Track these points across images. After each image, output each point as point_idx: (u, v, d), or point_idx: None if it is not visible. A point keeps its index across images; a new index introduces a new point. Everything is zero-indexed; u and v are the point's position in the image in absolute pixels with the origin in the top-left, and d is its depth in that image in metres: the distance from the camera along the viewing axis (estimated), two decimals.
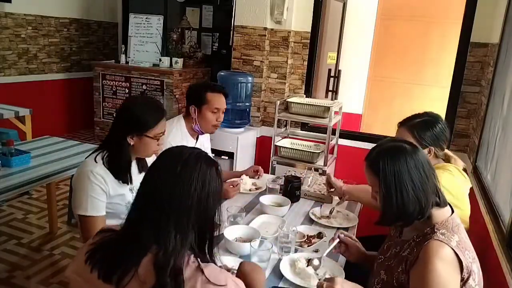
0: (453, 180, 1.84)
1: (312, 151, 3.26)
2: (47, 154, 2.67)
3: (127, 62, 4.84)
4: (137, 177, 1.73)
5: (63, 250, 2.86)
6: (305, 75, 3.70)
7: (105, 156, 1.63)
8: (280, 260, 1.55)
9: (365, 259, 1.54)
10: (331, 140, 3.24)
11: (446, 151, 1.96)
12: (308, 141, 3.54)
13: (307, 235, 1.76)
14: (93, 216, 1.57)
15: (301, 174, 2.42)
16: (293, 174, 2.35)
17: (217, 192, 1.06)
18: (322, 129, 3.49)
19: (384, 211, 1.27)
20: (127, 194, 1.69)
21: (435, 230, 1.20)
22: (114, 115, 4.71)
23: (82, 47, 5.57)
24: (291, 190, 2.14)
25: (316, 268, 1.47)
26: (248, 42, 3.63)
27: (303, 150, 3.28)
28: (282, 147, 3.31)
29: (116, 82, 4.79)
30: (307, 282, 1.42)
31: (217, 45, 5.38)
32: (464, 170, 1.97)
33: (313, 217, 1.96)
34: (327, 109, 3.14)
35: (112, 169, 1.63)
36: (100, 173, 1.59)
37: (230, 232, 1.66)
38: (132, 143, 1.63)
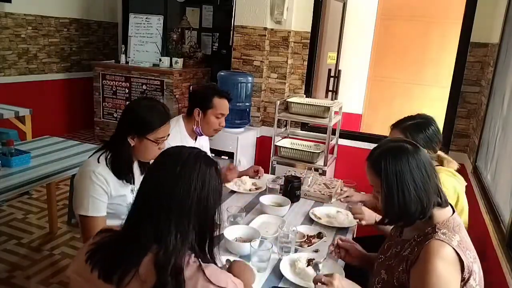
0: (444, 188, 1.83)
1: (312, 151, 3.26)
2: (47, 154, 2.67)
3: (127, 62, 4.84)
4: (140, 179, 1.72)
5: (63, 250, 2.86)
6: (305, 75, 3.70)
7: (108, 157, 1.63)
8: (280, 260, 1.55)
9: (367, 260, 1.54)
10: (331, 140, 3.24)
11: (439, 152, 1.96)
12: (308, 141, 3.54)
13: (307, 235, 1.76)
14: (94, 217, 1.57)
15: (301, 174, 2.42)
16: (293, 174, 2.35)
17: (217, 192, 1.06)
18: (322, 129, 3.49)
19: (385, 211, 1.27)
20: (128, 195, 1.69)
21: (436, 230, 1.20)
22: (120, 115, 4.75)
23: (82, 47, 5.57)
24: (291, 190, 2.14)
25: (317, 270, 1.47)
26: (248, 42, 3.63)
27: (303, 150, 3.28)
28: (282, 147, 3.31)
29: (116, 82, 4.79)
30: (307, 282, 1.42)
31: (217, 45, 5.38)
32: (458, 170, 1.96)
33: (313, 217, 1.96)
34: (327, 109, 3.14)
35: (114, 170, 1.63)
36: (102, 174, 1.59)
37: (230, 232, 1.66)
38: (132, 144, 1.63)
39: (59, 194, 3.62)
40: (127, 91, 4.75)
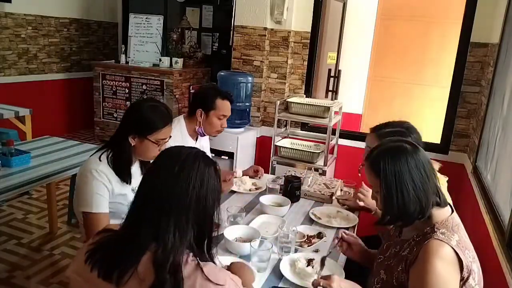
0: None
1: (312, 151, 3.26)
2: (47, 154, 2.67)
3: (127, 62, 4.84)
4: (139, 179, 1.72)
5: (63, 250, 2.86)
6: (305, 75, 3.70)
7: (109, 156, 1.64)
8: (280, 260, 1.55)
9: (368, 257, 1.54)
10: (331, 140, 3.24)
11: None
12: (308, 141, 3.54)
13: (307, 235, 1.76)
14: (97, 213, 1.58)
15: (301, 174, 2.42)
16: (293, 174, 2.36)
17: (216, 191, 1.06)
18: (322, 129, 3.49)
19: (384, 211, 1.28)
20: (129, 194, 1.70)
21: (435, 230, 1.20)
22: (120, 115, 4.77)
23: (82, 47, 5.57)
24: (291, 190, 2.14)
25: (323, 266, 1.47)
26: (248, 42, 3.63)
27: (303, 150, 3.28)
28: (282, 147, 3.31)
29: (116, 82, 4.79)
30: (307, 282, 1.42)
31: (217, 45, 5.38)
32: (439, 170, 1.93)
33: (313, 217, 1.96)
34: (327, 109, 3.14)
35: (115, 168, 1.63)
36: (104, 171, 1.60)
37: (230, 232, 1.66)
38: (133, 144, 1.63)
39: (59, 194, 3.62)
40: (127, 91, 4.75)
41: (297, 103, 3.31)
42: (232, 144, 3.44)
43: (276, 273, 1.49)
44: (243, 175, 2.42)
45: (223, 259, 1.46)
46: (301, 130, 3.72)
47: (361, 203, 1.88)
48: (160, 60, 4.65)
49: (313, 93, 3.84)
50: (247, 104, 3.60)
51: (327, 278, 1.25)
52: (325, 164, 3.17)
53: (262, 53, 3.61)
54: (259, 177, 2.46)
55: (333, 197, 2.19)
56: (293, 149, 3.30)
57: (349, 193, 2.18)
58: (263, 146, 3.74)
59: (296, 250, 1.65)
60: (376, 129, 1.87)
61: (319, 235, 1.77)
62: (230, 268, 1.27)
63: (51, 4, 5.03)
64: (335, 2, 4.26)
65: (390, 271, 1.30)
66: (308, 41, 3.63)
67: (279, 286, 1.43)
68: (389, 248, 1.39)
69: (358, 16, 5.40)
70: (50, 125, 4.81)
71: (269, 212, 1.95)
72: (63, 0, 5.19)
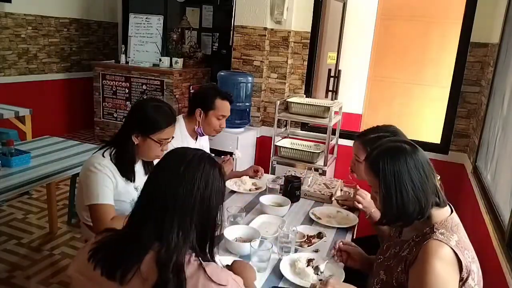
0: None
1: (312, 151, 3.26)
2: (47, 154, 2.67)
3: (127, 62, 4.84)
4: (143, 178, 1.75)
5: (63, 250, 2.86)
6: (305, 75, 3.70)
7: (112, 152, 1.65)
8: (280, 260, 1.55)
9: (369, 264, 1.53)
10: (331, 140, 3.24)
11: None
12: (308, 141, 3.54)
13: (307, 235, 1.76)
14: (104, 204, 1.59)
15: (301, 174, 2.42)
16: (293, 174, 2.35)
17: (220, 192, 1.07)
18: (322, 129, 3.49)
19: (384, 211, 1.27)
20: (132, 192, 1.71)
21: (435, 230, 1.20)
22: (120, 115, 4.77)
23: (82, 47, 5.57)
24: (291, 190, 2.14)
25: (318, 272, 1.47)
26: (248, 42, 3.63)
27: (303, 150, 3.28)
28: (282, 147, 3.31)
29: (116, 82, 4.79)
30: (307, 282, 1.42)
31: (217, 45, 5.38)
32: None
33: (313, 217, 1.96)
34: (327, 109, 3.14)
35: (118, 165, 1.65)
36: (107, 165, 1.62)
37: (230, 232, 1.66)
38: (136, 142, 1.64)
39: (59, 194, 3.62)
40: (127, 91, 4.75)
41: (297, 103, 3.31)
42: (232, 144, 3.44)
43: (276, 273, 1.49)
44: (243, 175, 2.42)
45: (223, 259, 1.46)
46: (301, 130, 3.72)
47: (359, 206, 1.86)
48: (160, 60, 4.65)
49: (313, 93, 3.84)
50: (247, 104, 3.60)
51: (323, 282, 1.25)
52: (325, 164, 3.17)
53: (262, 53, 3.61)
54: (259, 177, 2.46)
55: (333, 198, 2.19)
56: (293, 149, 3.30)
57: (349, 193, 2.18)
58: (263, 146, 3.74)
59: (296, 250, 1.64)
60: (360, 137, 1.86)
61: (319, 235, 1.77)
62: (231, 266, 1.27)
63: (51, 4, 5.03)
64: (335, 2, 4.26)
65: (390, 271, 1.30)
66: (308, 41, 3.63)
67: (279, 286, 1.43)
68: (389, 249, 1.39)
69: (358, 16, 5.40)
70: (50, 125, 4.81)
71: (269, 212, 1.95)
72: (63, 0, 5.20)
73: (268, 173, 2.95)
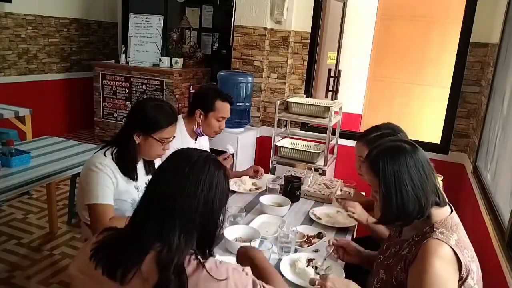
0: None
1: (312, 151, 3.26)
2: (47, 154, 2.67)
3: (127, 62, 4.84)
4: (143, 178, 1.75)
5: (63, 250, 2.86)
6: (305, 75, 3.70)
7: (114, 152, 1.66)
8: (280, 260, 1.55)
9: (366, 258, 1.54)
10: (331, 140, 3.24)
11: None
12: (308, 141, 3.54)
13: (307, 235, 1.76)
14: (103, 204, 1.59)
15: (301, 174, 2.42)
16: (293, 174, 2.36)
17: (224, 195, 1.07)
18: (322, 129, 3.49)
19: (384, 210, 1.27)
20: (133, 191, 1.71)
21: (434, 229, 1.20)
22: (120, 114, 4.77)
23: (82, 47, 5.57)
24: (291, 190, 2.14)
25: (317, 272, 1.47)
26: (248, 42, 3.63)
27: (303, 150, 3.28)
28: (282, 147, 3.31)
29: (116, 82, 4.79)
30: (307, 282, 1.41)
31: (217, 45, 5.38)
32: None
33: (313, 217, 1.96)
34: (327, 109, 3.14)
35: (119, 165, 1.65)
36: (108, 165, 1.63)
37: (230, 232, 1.66)
38: (138, 142, 1.65)
39: (59, 194, 3.62)
40: (127, 91, 4.75)
41: (297, 103, 3.31)
42: (232, 144, 3.43)
43: None
44: (243, 175, 2.42)
45: (223, 259, 1.46)
46: (301, 130, 3.72)
47: (354, 216, 1.85)
48: (160, 60, 4.65)
49: (313, 93, 3.85)
50: (247, 104, 3.60)
51: (322, 278, 1.25)
52: (325, 164, 3.17)
53: (262, 53, 3.61)
54: (259, 177, 2.46)
55: (332, 197, 2.19)
56: (293, 149, 3.30)
57: (349, 193, 2.18)
58: (263, 146, 3.75)
59: (296, 250, 1.65)
60: (362, 137, 1.87)
61: (319, 235, 1.77)
62: (238, 252, 1.30)
63: (51, 4, 5.03)
64: (335, 2, 4.26)
65: (390, 270, 1.30)
66: (308, 41, 3.63)
67: None
68: (389, 248, 1.39)
69: (358, 16, 5.40)
70: (50, 125, 4.81)
71: (269, 212, 1.95)
72: (63, 0, 5.19)
73: (268, 173, 2.95)
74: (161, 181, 1.04)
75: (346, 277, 1.45)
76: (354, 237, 1.99)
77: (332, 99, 4.20)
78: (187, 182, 1.01)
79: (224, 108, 2.23)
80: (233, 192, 2.22)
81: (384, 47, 5.88)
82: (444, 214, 1.26)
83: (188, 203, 1.00)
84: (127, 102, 4.77)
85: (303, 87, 3.72)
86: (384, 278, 1.32)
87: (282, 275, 1.46)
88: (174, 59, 4.62)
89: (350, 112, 5.18)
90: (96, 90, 4.92)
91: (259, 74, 3.65)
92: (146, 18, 4.84)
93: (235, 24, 3.68)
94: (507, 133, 2.02)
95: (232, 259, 1.49)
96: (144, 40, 4.83)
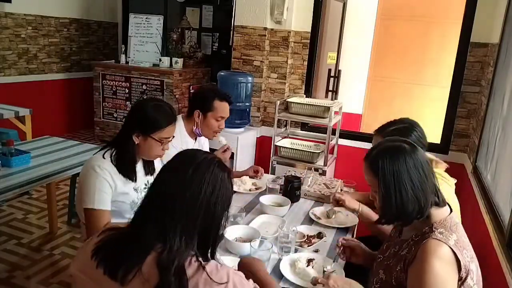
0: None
1: (312, 151, 3.26)
2: (47, 154, 2.67)
3: (127, 62, 4.84)
4: (143, 179, 1.75)
5: (63, 250, 2.86)
6: (305, 75, 3.70)
7: (113, 153, 1.65)
8: (280, 260, 1.55)
9: (373, 259, 1.53)
10: (331, 140, 3.24)
11: (427, 153, 1.92)
12: (308, 141, 3.54)
13: (307, 235, 1.76)
14: (100, 210, 1.59)
15: (301, 174, 2.42)
16: (293, 174, 2.36)
17: (227, 198, 1.06)
18: (322, 129, 3.49)
19: (383, 210, 1.28)
20: (132, 193, 1.70)
21: (433, 229, 1.21)
22: (120, 114, 4.77)
23: (82, 47, 5.57)
24: (291, 190, 2.14)
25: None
26: (248, 42, 3.63)
27: (303, 150, 3.28)
28: (282, 147, 3.31)
29: (116, 82, 4.79)
30: (307, 282, 1.42)
31: (217, 45, 5.38)
32: (446, 170, 1.92)
33: (313, 217, 1.96)
34: (327, 109, 3.14)
35: (118, 166, 1.65)
36: (107, 168, 1.62)
37: (230, 232, 1.66)
38: (137, 142, 1.64)
39: (59, 194, 3.62)
40: (127, 91, 4.75)
41: (297, 103, 3.31)
42: (232, 144, 3.43)
43: (276, 273, 1.49)
44: (243, 175, 2.42)
45: (223, 259, 1.46)
46: (301, 130, 3.72)
47: (346, 203, 1.85)
48: (160, 60, 4.65)
49: (313, 93, 3.84)
50: (247, 104, 3.60)
51: (324, 276, 1.25)
52: (325, 164, 3.17)
53: (262, 53, 3.61)
54: (259, 177, 2.46)
55: (331, 200, 2.19)
56: (293, 149, 3.30)
57: (348, 193, 2.18)
58: (263, 146, 3.74)
59: (296, 250, 1.65)
60: (380, 130, 1.87)
61: (319, 235, 1.77)
62: (240, 262, 1.28)
63: (51, 4, 5.03)
64: (335, 2, 4.26)
65: (389, 271, 1.30)
66: (308, 41, 3.63)
67: None
68: (389, 248, 1.39)
69: (358, 16, 5.40)
70: (50, 125, 4.81)
71: (269, 212, 1.95)
72: (63, 0, 5.19)
73: (268, 173, 2.95)
74: (164, 182, 1.03)
75: (347, 273, 1.46)
76: (354, 237, 1.99)
77: (332, 99, 4.20)
78: (191, 184, 1.00)
79: (222, 108, 2.22)
80: (233, 192, 2.22)
81: (384, 47, 5.88)
82: (443, 214, 1.27)
83: (190, 204, 0.99)
84: (127, 102, 4.77)
85: (303, 87, 3.71)
86: (383, 278, 1.32)
87: (282, 275, 1.47)
88: (174, 59, 4.62)
89: (350, 112, 5.18)
90: (96, 90, 4.92)
91: (259, 74, 3.65)
92: (146, 18, 4.84)
93: (235, 24, 3.68)
94: (507, 133, 2.02)
95: (232, 259, 1.50)
96: (144, 40, 4.84)
